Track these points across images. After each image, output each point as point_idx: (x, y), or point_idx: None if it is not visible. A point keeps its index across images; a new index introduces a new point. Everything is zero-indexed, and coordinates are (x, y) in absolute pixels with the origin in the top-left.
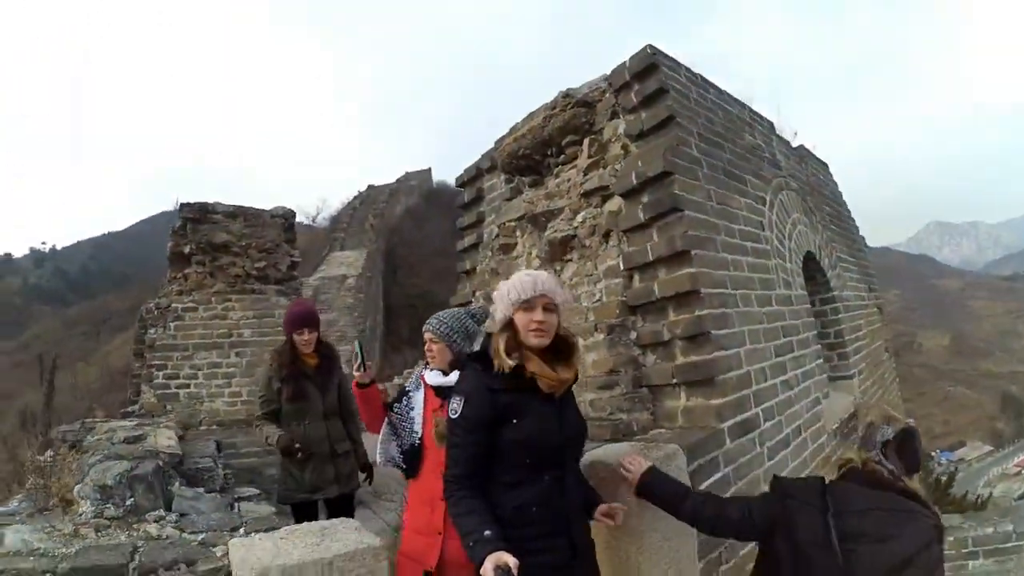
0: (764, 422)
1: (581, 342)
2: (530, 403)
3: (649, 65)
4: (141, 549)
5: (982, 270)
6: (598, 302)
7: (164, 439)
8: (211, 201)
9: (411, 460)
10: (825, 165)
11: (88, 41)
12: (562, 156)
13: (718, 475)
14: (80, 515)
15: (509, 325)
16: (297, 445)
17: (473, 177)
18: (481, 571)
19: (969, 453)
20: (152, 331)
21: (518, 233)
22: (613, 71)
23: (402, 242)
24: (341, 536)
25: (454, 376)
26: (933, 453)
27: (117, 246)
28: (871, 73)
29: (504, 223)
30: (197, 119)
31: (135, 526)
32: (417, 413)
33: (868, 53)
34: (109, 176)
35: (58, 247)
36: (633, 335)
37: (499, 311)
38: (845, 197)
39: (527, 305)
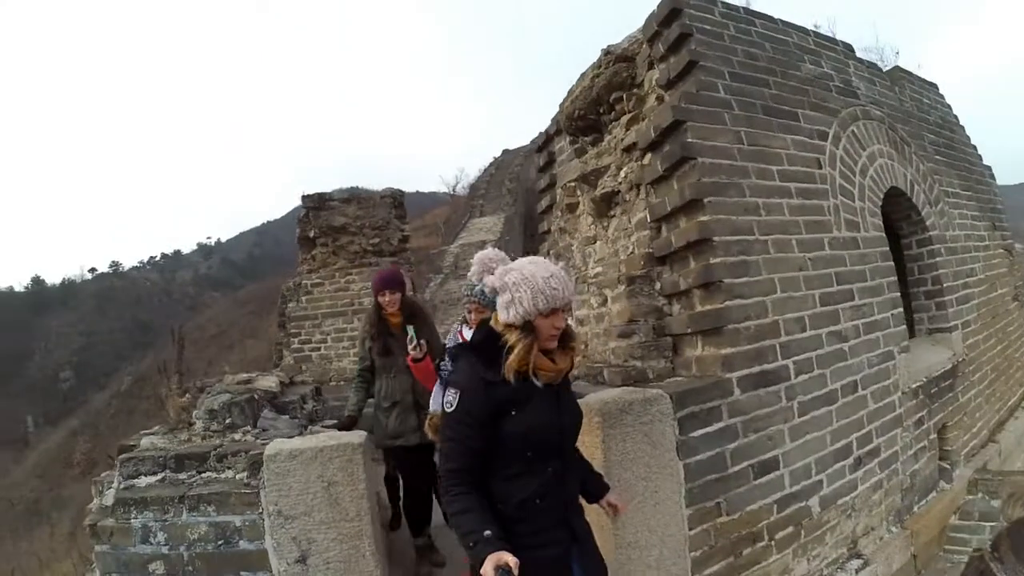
0: (796, 375)
1: (610, 293)
2: (529, 394)
3: (671, 11)
4: (222, 445)
5: None
6: (631, 254)
7: (265, 382)
8: (329, 190)
9: None
10: (933, 86)
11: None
12: (612, 113)
13: (719, 424)
14: (194, 430)
15: (531, 329)
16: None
17: (545, 141)
18: (482, 571)
19: None
20: (290, 305)
21: (578, 193)
22: (645, 21)
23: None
24: (337, 437)
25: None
26: None
27: (276, 232)
28: None
29: (566, 184)
30: (333, 107)
31: (227, 435)
32: None
33: None
34: (263, 169)
35: (223, 240)
36: (658, 286)
37: (518, 311)
38: (972, 124)
39: (552, 311)
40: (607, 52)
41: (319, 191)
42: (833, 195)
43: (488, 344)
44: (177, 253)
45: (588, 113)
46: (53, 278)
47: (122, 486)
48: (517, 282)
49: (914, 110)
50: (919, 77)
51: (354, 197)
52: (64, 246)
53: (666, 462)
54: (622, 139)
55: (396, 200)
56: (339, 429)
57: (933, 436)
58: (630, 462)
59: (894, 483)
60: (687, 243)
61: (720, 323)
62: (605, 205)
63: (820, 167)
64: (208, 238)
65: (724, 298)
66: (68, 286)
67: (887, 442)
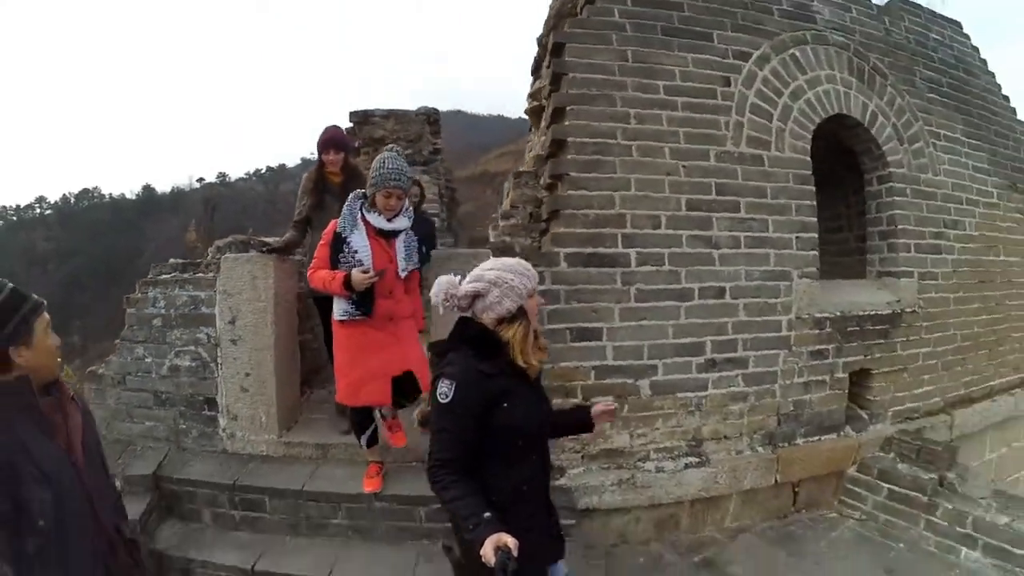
0: (638, 265)
1: (509, 189)
2: (518, 387)
3: None
4: (208, 257)
5: None
6: (531, 155)
7: (269, 239)
8: (371, 108)
9: (366, 296)
10: (955, 24)
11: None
12: None
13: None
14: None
15: (523, 313)
16: (274, 247)
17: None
18: (481, 552)
19: None
20: None
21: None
22: None
23: None
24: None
25: (398, 222)
26: None
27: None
28: None
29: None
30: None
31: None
32: (364, 255)
33: None
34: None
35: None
36: (540, 180)
37: (513, 299)
38: None
39: (532, 293)
40: None
41: (363, 108)
42: (739, 112)
43: (481, 340)
44: (282, 167)
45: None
46: (163, 186)
47: (149, 276)
48: (500, 275)
49: (908, 44)
50: (933, 13)
51: (392, 114)
52: (175, 157)
53: None
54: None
55: (430, 117)
56: (271, 250)
57: (842, 376)
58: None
59: (766, 403)
60: (552, 141)
61: (559, 207)
62: (536, 118)
63: (728, 85)
64: (312, 153)
65: (568, 188)
66: (177, 194)
67: (761, 359)
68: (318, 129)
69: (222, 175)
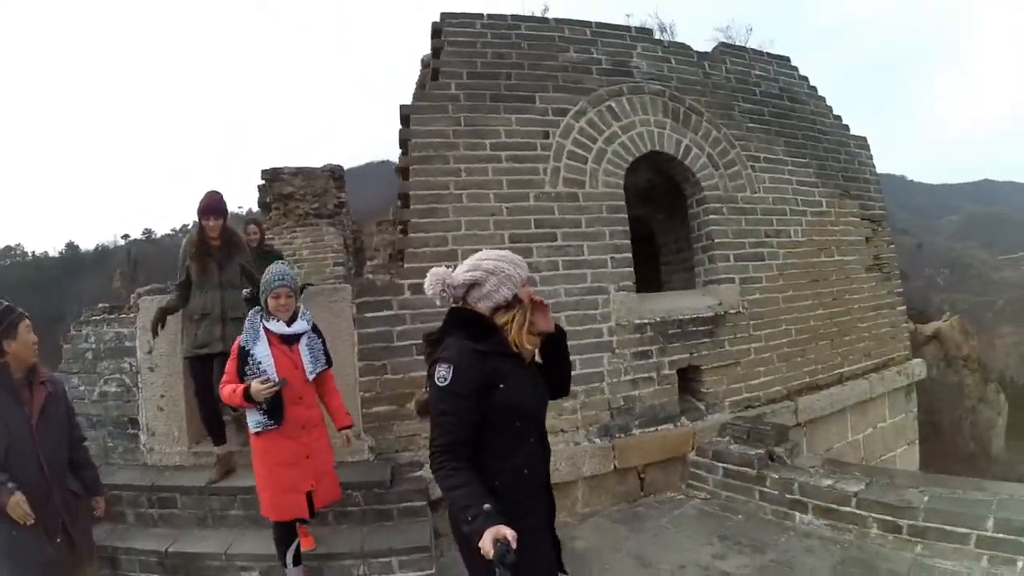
0: None
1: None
2: (513, 369)
3: (433, 30)
4: (131, 304)
5: None
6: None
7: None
8: (280, 165)
9: (275, 405)
10: (783, 59)
11: None
12: None
13: (389, 312)
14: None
15: (518, 300)
16: (163, 309)
17: None
18: (480, 544)
19: None
20: None
21: None
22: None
23: None
24: (156, 302)
25: (297, 325)
26: None
27: None
28: None
29: None
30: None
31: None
32: (268, 364)
33: None
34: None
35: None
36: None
37: (509, 287)
38: None
39: (525, 282)
40: (423, 60)
41: (274, 166)
42: (556, 159)
43: (475, 323)
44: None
45: None
46: (87, 244)
47: (82, 318)
48: (497, 265)
49: (728, 82)
50: (759, 52)
51: (300, 171)
52: (98, 215)
53: (343, 328)
54: None
55: (335, 174)
56: (160, 310)
57: (669, 372)
58: (319, 324)
59: (597, 399)
60: (399, 196)
61: (403, 247)
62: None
63: (547, 138)
64: (239, 207)
65: (411, 231)
66: (101, 252)
67: (587, 361)
68: (255, 179)
69: (148, 231)
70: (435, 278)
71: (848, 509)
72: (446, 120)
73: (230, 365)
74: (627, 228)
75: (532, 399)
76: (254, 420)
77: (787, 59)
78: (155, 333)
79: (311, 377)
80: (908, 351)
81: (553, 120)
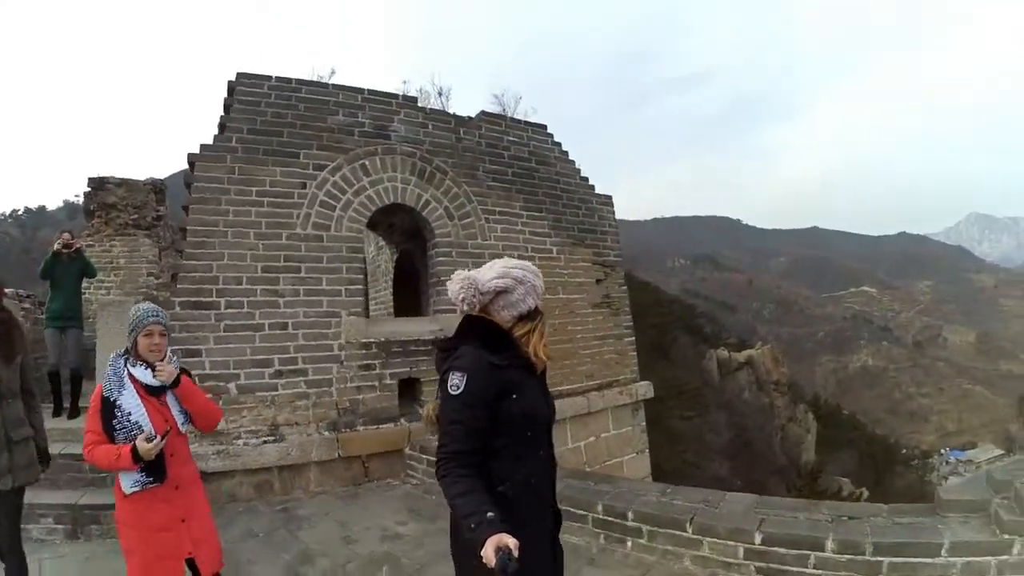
0: (226, 308)
1: None
2: (526, 379)
3: (229, 88)
4: None
5: (1019, 267)
6: None
7: None
8: (106, 175)
9: (156, 460)
10: (540, 127)
11: None
12: None
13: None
14: None
15: (539, 311)
16: None
17: None
18: (482, 552)
19: (979, 455)
20: None
21: None
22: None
23: None
24: None
25: (162, 377)
26: (943, 451)
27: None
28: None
29: None
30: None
31: None
32: (140, 415)
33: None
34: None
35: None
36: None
37: (535, 297)
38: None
39: (543, 293)
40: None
41: (101, 175)
42: (309, 206)
43: (491, 334)
44: (42, 209)
45: None
46: None
47: None
48: (524, 274)
49: (479, 146)
50: (516, 120)
51: (124, 182)
52: None
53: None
54: None
55: (157, 187)
56: None
57: (390, 382)
58: (110, 336)
59: (326, 400)
60: (179, 229)
61: (177, 271)
62: None
63: (304, 188)
64: (76, 196)
65: (185, 259)
66: None
67: (319, 370)
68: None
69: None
70: (466, 282)
71: None
72: (223, 168)
73: (93, 422)
74: (363, 265)
75: (544, 409)
76: (131, 480)
77: (543, 127)
78: None
79: (183, 429)
80: (635, 374)
81: (312, 174)
